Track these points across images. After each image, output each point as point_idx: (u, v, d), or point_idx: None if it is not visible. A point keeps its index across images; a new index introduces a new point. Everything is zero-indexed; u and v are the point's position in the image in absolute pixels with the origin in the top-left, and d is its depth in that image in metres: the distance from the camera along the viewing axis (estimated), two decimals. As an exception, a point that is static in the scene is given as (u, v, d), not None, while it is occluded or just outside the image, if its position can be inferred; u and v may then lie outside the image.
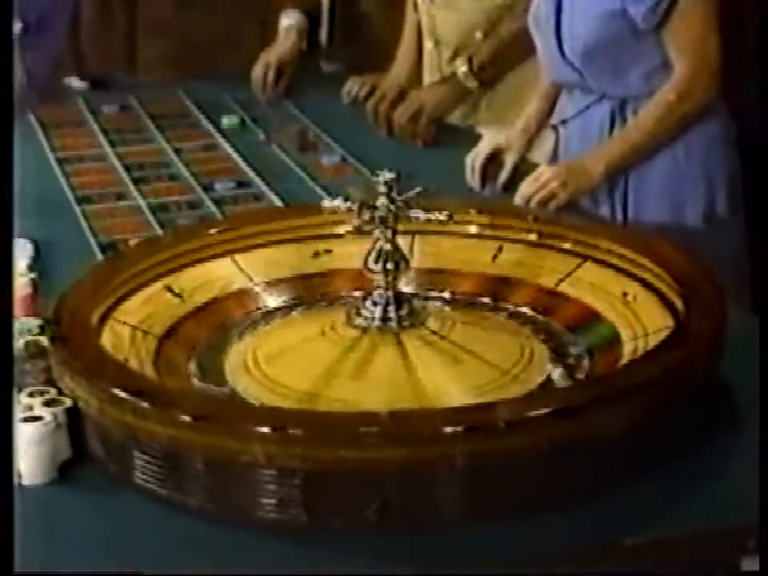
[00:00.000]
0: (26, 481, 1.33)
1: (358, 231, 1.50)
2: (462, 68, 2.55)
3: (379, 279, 1.50)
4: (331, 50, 3.14)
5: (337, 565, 1.20)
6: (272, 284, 1.68)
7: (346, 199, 1.52)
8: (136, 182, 2.31)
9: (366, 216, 1.48)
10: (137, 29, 3.24)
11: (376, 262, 1.48)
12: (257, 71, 2.98)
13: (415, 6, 2.79)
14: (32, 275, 1.81)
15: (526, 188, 2.07)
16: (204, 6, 3.14)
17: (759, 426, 1.37)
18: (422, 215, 1.49)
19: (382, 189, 1.46)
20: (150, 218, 2.12)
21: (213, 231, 1.75)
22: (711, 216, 2.13)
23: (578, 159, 2.14)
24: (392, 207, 1.47)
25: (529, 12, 2.26)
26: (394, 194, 1.47)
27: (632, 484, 1.28)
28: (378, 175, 1.48)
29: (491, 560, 1.21)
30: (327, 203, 1.55)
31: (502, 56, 2.54)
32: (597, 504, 1.26)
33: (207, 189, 2.24)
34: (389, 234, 1.48)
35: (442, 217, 1.49)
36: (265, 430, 1.21)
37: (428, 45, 2.73)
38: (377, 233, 1.48)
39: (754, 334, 1.53)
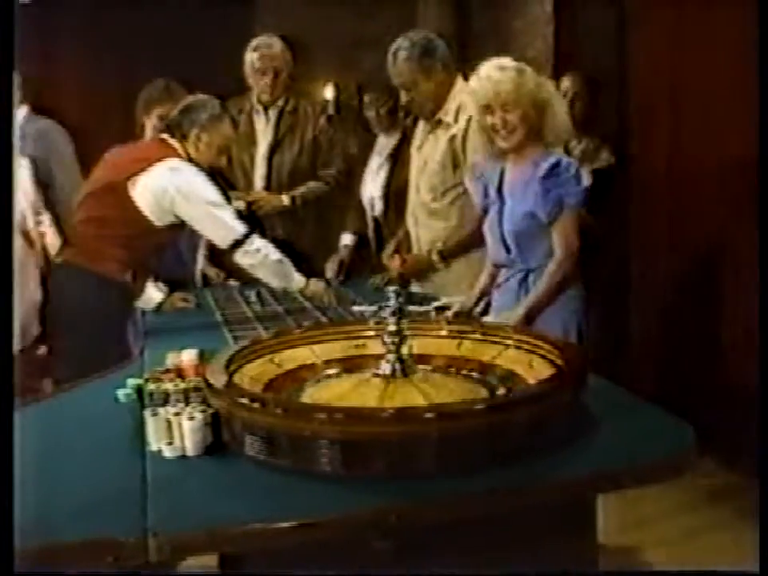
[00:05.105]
0: (189, 453, 1.32)
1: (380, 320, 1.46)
2: (435, 257, 2.54)
3: (390, 347, 1.46)
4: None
5: (360, 497, 1.16)
6: (331, 361, 1.62)
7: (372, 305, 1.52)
8: (259, 320, 2.31)
9: (383, 311, 1.47)
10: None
11: (388, 337, 1.45)
12: (329, 268, 3.00)
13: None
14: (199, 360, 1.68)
15: None
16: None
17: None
18: (415, 308, 1.48)
19: (392, 295, 1.45)
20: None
21: (298, 332, 1.72)
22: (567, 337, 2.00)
23: (510, 313, 2.04)
24: (398, 305, 1.45)
25: (483, 224, 2.22)
26: (399, 297, 1.45)
27: (530, 449, 1.25)
28: (389, 290, 1.47)
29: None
30: (357, 307, 1.55)
31: (454, 251, 2.50)
32: (512, 463, 1.23)
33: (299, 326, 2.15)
34: (396, 321, 1.45)
35: (430, 308, 1.49)
36: (321, 416, 1.20)
37: (414, 249, 2.68)
38: (389, 320, 1.45)
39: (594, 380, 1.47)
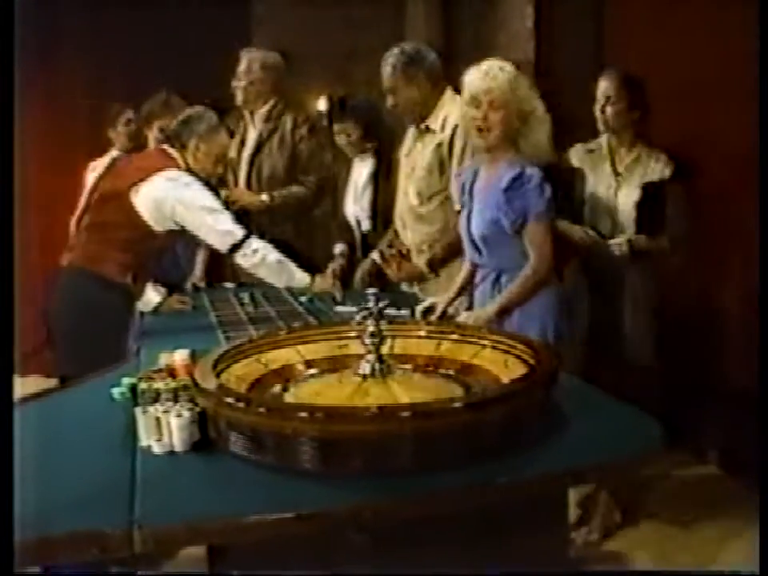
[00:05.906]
0: (176, 449, 1.33)
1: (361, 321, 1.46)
2: (424, 266, 2.54)
3: (370, 348, 1.46)
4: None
5: (339, 493, 1.17)
6: (315, 360, 1.62)
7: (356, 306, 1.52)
8: (251, 321, 2.31)
9: (363, 312, 1.47)
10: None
11: (368, 338, 1.46)
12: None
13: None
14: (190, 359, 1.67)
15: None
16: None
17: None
18: (393, 311, 1.48)
19: (371, 297, 1.46)
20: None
21: (283, 333, 1.71)
22: (545, 338, 1.99)
23: (483, 309, 2.05)
24: (376, 307, 1.45)
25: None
26: (378, 300, 1.46)
27: (503, 447, 1.26)
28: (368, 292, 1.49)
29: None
30: (339, 308, 1.55)
31: (441, 258, 2.50)
32: (486, 460, 1.23)
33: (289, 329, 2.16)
34: (375, 323, 1.46)
35: (406, 312, 1.49)
36: (303, 414, 1.21)
37: (403, 250, 2.68)
38: (369, 322, 1.46)
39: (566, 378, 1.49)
